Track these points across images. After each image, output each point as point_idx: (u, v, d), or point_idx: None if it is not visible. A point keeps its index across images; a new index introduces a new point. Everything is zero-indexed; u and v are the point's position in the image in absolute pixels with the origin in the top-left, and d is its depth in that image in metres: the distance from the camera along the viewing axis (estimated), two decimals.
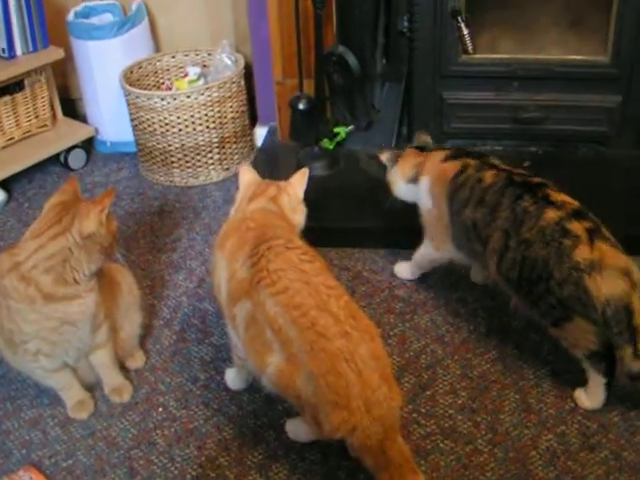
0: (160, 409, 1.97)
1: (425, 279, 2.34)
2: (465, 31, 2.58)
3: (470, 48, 2.61)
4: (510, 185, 1.98)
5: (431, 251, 2.22)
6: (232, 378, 2.00)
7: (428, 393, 1.96)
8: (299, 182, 1.99)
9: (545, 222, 1.85)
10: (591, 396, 1.89)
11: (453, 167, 2.10)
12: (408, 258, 2.33)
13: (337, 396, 1.54)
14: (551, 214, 1.86)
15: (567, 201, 1.90)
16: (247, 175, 2.01)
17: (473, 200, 2.01)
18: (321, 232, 2.51)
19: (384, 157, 2.30)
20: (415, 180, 2.19)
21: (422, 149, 2.24)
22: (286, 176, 2.77)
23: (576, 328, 1.82)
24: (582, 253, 1.78)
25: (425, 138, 2.30)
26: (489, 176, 2.02)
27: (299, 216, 1.96)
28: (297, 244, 1.75)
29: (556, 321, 1.86)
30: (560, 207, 1.87)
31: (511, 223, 1.91)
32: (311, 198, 2.62)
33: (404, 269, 2.37)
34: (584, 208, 1.90)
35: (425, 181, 2.17)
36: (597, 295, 1.75)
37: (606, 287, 1.75)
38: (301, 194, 1.98)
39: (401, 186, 2.24)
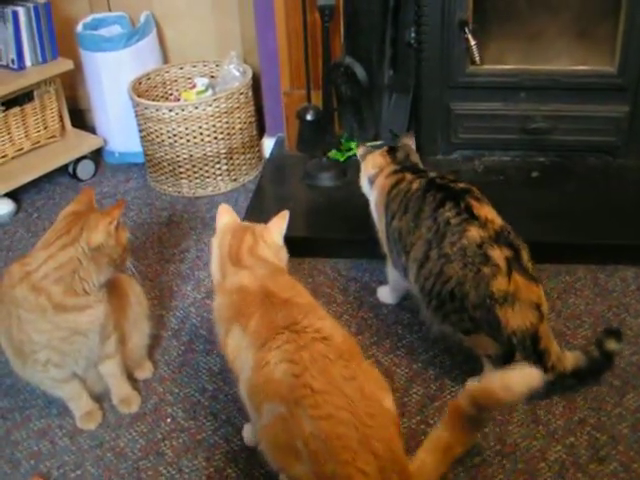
0: (168, 420, 1.97)
1: None
2: (472, 42, 2.59)
3: (477, 59, 2.61)
4: (430, 189, 1.99)
5: (391, 268, 2.19)
6: (250, 435, 1.87)
7: (436, 404, 1.96)
8: (277, 227, 1.84)
9: (467, 241, 1.86)
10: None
11: (390, 181, 2.12)
12: None
13: None
14: (474, 233, 1.86)
15: (490, 218, 1.90)
16: (224, 217, 1.91)
17: (400, 210, 2.04)
18: (329, 243, 2.52)
19: (359, 152, 2.31)
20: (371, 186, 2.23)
21: (394, 151, 2.24)
22: (293, 188, 2.81)
23: (483, 340, 1.89)
24: (499, 284, 1.82)
25: (407, 141, 2.30)
26: (415, 184, 2.05)
27: (282, 262, 1.83)
28: (327, 333, 1.61)
29: (465, 332, 1.92)
30: (484, 225, 1.87)
31: (433, 234, 1.92)
32: (319, 209, 2.64)
33: (385, 293, 2.33)
34: (506, 227, 1.91)
35: (373, 195, 2.19)
36: (505, 325, 1.82)
37: (515, 320, 1.82)
38: (280, 240, 1.84)
39: (365, 184, 2.26)
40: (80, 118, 3.37)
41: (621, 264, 2.38)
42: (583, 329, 2.16)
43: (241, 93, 2.89)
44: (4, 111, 2.91)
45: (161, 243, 2.67)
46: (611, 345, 1.93)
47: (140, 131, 2.95)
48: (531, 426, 1.88)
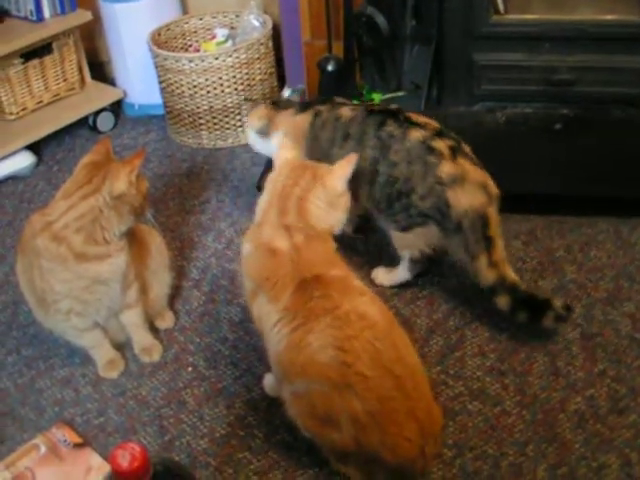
0: (189, 369, 1.99)
1: None
2: None
3: (501, 8, 2.57)
4: (370, 114, 2.08)
5: None
6: (271, 385, 1.88)
7: (457, 354, 1.96)
8: (342, 171, 1.73)
9: (410, 143, 1.98)
10: (389, 276, 2.15)
11: (306, 117, 2.17)
12: None
13: None
14: (416, 134, 1.99)
15: (429, 122, 2.03)
16: (285, 152, 1.81)
17: (338, 137, 2.08)
18: None
19: (245, 110, 2.37)
20: (266, 134, 2.24)
21: (277, 104, 2.29)
22: None
23: (426, 234, 2.03)
24: (446, 168, 1.94)
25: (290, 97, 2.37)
26: (345, 111, 2.12)
27: (338, 213, 1.72)
28: (371, 317, 1.58)
29: (408, 227, 2.04)
30: (424, 127, 2.01)
31: (379, 150, 2.02)
32: None
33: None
34: (445, 128, 2.04)
35: (278, 135, 2.20)
36: (456, 206, 1.93)
37: (465, 199, 1.93)
38: (342, 186, 1.72)
39: (251, 136, 2.30)
40: (99, 70, 3.35)
41: None
42: (604, 282, 2.15)
43: (261, 44, 2.86)
44: (23, 63, 2.90)
45: (181, 194, 2.68)
46: (556, 310, 1.91)
47: (160, 83, 2.93)
48: (551, 378, 1.88)
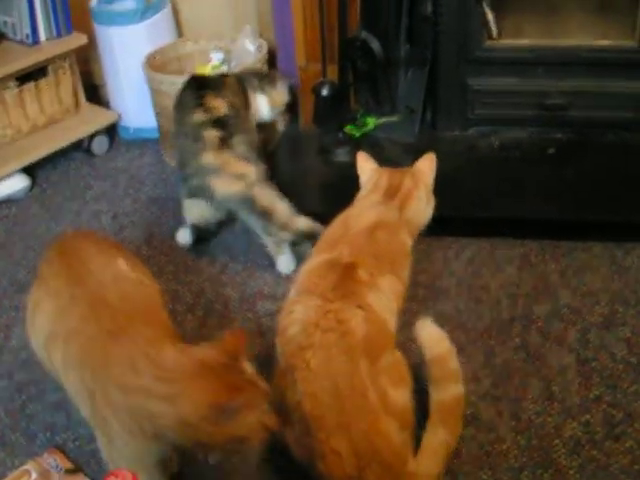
0: None
1: (448, 265, 2.33)
2: (490, 16, 2.56)
3: (495, 33, 2.58)
4: (195, 80, 2.52)
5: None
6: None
7: None
8: (430, 170, 1.94)
9: (192, 121, 2.34)
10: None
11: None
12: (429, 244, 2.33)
13: None
14: (198, 115, 2.33)
15: (218, 106, 2.36)
16: (369, 162, 1.98)
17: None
18: None
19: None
20: None
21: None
22: (308, 163, 2.79)
23: (199, 205, 2.39)
24: (207, 158, 2.26)
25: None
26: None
27: (429, 204, 1.93)
28: (352, 327, 1.64)
29: (187, 195, 2.41)
30: (208, 111, 2.34)
31: (179, 112, 2.45)
32: (334, 184, 2.63)
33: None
34: (229, 116, 2.36)
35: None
36: (217, 192, 2.26)
37: (223, 187, 2.25)
38: (432, 183, 1.94)
39: None
40: (95, 93, 3.36)
41: (638, 242, 2.36)
42: (599, 306, 2.14)
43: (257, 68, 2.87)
44: (18, 86, 2.90)
45: (175, 218, 2.66)
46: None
47: (155, 106, 2.94)
48: (546, 403, 1.87)
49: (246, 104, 2.56)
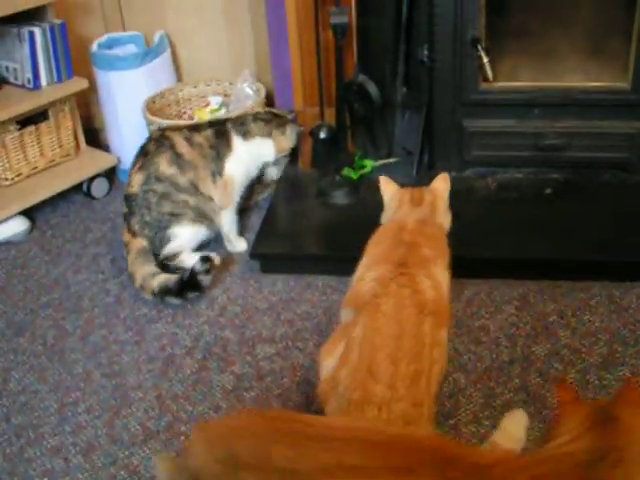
0: (182, 438, 1.97)
1: None
2: (485, 59, 2.59)
3: (490, 76, 2.61)
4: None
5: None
6: None
7: (451, 422, 1.95)
8: (444, 189, 2.04)
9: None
10: None
11: None
12: None
13: None
14: (137, 177, 2.53)
15: (133, 183, 2.52)
16: (391, 185, 2.08)
17: None
18: (342, 260, 2.51)
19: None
20: None
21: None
22: (306, 205, 2.80)
23: None
24: (124, 236, 2.53)
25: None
26: None
27: (448, 221, 2.03)
28: (423, 288, 1.78)
29: None
30: (141, 168, 2.53)
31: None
32: (332, 226, 2.64)
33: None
34: (137, 195, 2.51)
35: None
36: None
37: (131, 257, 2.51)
38: (447, 198, 2.05)
39: None
40: (94, 137, 3.39)
41: (636, 281, 2.37)
42: (598, 346, 2.14)
43: None
44: (19, 130, 2.93)
45: None
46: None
47: None
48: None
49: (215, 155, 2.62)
